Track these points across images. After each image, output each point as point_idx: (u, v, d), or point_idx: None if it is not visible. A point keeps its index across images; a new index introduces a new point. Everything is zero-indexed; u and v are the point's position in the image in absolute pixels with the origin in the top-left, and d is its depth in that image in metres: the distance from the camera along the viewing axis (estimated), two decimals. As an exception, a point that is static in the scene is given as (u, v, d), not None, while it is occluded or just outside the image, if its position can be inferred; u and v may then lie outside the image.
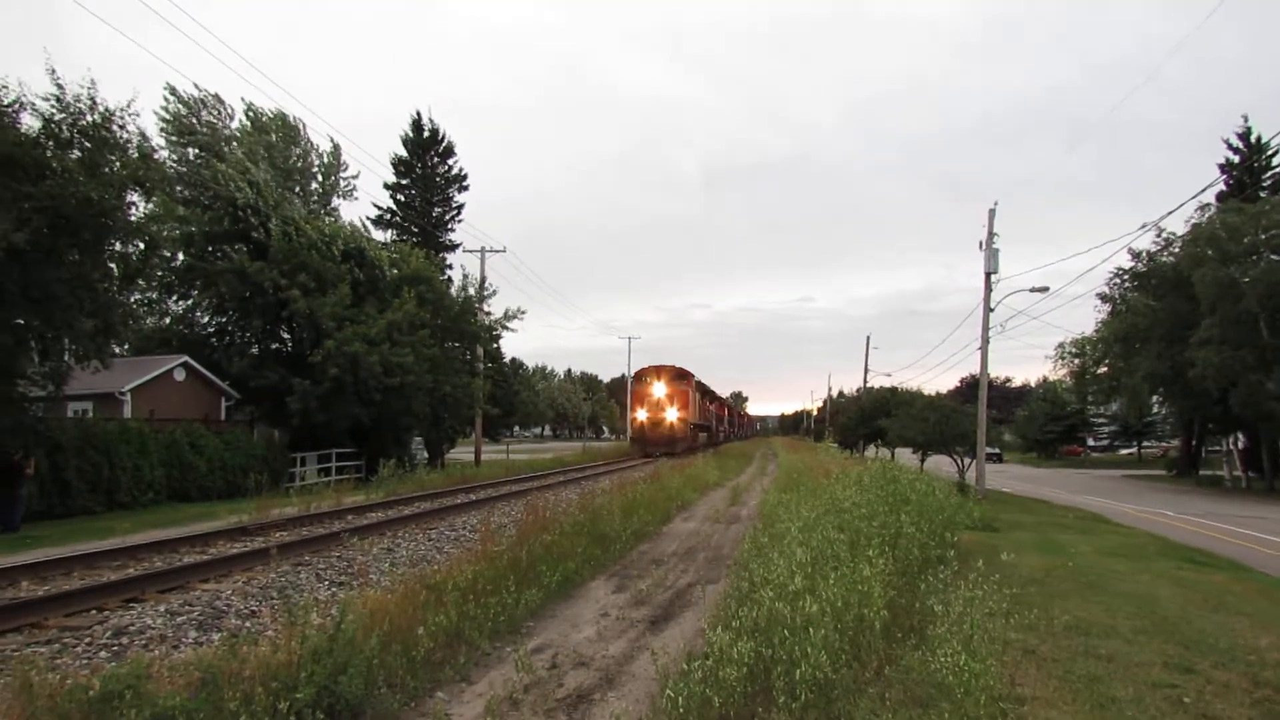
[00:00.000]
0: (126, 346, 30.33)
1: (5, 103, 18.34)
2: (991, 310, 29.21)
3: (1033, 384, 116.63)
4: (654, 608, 9.51)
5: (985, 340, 29.26)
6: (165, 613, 8.55)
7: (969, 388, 77.53)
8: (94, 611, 8.77)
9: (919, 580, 8.26)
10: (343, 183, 43.40)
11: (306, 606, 6.14)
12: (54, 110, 19.02)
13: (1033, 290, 30.03)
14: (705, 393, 67.15)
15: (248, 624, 8.16)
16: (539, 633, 8.39)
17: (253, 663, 5.44)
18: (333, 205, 41.76)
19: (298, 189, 39.08)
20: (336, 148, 43.63)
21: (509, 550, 10.47)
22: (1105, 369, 49.68)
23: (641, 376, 55.54)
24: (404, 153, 54.07)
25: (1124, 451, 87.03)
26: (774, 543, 9.86)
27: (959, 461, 33.58)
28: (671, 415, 52.01)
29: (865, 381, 69.07)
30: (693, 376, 55.95)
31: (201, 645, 7.29)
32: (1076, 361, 53.03)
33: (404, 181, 53.89)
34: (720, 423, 79.90)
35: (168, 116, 35.26)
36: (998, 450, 73.43)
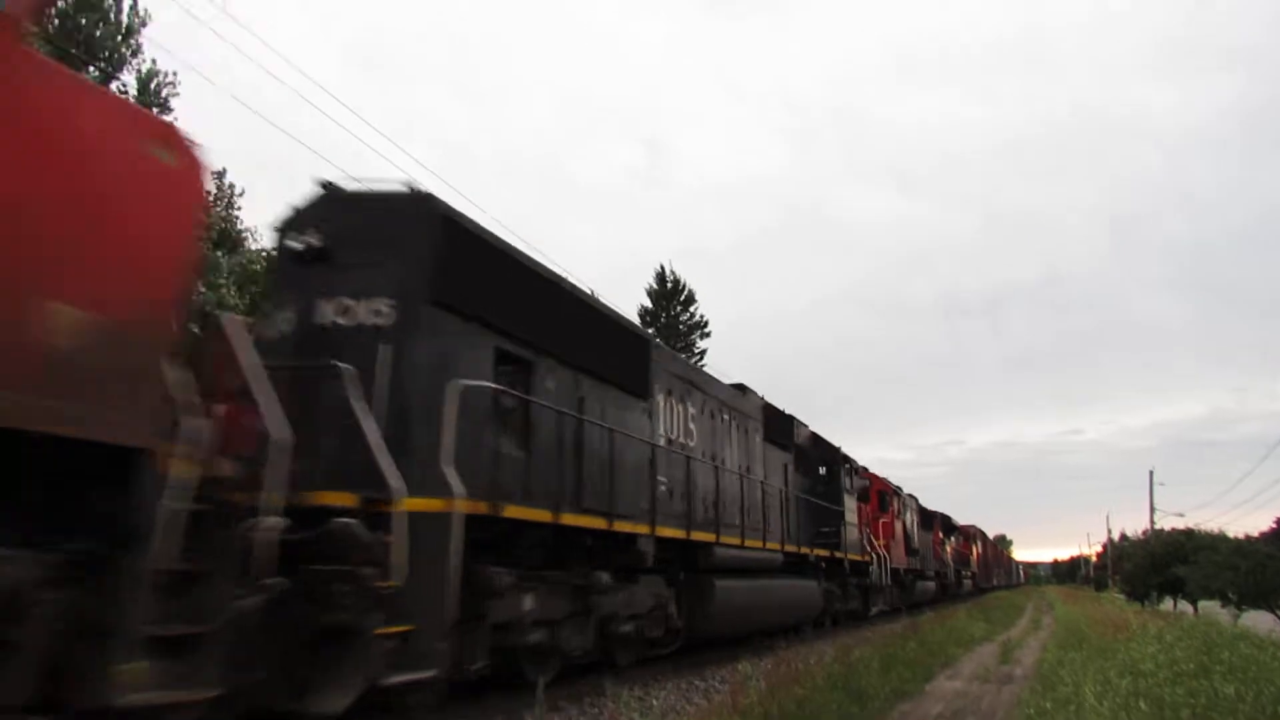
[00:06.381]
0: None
1: None
2: (1307, 439, 25.36)
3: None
4: (920, 778, 8.62)
5: (1303, 474, 25.28)
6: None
7: (1287, 529, 66.68)
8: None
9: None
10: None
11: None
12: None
13: (1359, 414, 25.83)
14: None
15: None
16: (794, 798, 7.82)
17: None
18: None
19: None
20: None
21: (759, 704, 9.98)
22: None
23: None
24: (648, 303, 57.13)
25: None
26: (1058, 708, 8.71)
27: (1284, 618, 28.64)
28: None
29: (1152, 522, 61.39)
30: None
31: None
32: None
33: (650, 331, 56.64)
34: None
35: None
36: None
